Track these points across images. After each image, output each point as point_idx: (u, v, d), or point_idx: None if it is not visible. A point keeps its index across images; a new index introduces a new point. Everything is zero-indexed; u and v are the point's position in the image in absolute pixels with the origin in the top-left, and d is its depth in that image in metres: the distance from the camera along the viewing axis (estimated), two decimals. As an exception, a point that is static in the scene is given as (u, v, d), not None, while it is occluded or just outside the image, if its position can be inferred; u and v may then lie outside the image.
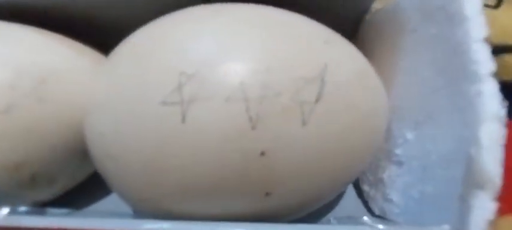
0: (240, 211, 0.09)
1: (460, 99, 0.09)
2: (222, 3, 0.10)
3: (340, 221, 0.09)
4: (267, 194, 0.08)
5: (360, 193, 0.14)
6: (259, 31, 0.09)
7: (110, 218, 0.09)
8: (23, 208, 0.08)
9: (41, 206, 0.12)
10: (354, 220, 0.09)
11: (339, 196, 0.14)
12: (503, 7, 0.19)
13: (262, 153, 0.08)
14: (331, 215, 0.12)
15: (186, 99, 0.07)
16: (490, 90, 0.08)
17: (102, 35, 0.13)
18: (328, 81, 0.08)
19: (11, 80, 0.10)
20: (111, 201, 0.13)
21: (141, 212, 0.09)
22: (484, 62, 0.08)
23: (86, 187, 0.13)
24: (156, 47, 0.08)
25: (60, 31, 0.13)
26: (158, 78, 0.08)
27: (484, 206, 0.08)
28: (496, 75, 0.16)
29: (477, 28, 0.09)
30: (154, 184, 0.08)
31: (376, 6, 0.13)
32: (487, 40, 0.09)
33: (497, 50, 0.16)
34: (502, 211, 0.14)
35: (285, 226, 0.08)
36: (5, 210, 0.08)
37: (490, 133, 0.08)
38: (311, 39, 0.09)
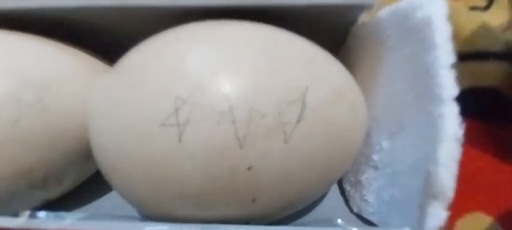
0: (230, 215, 0.10)
1: (425, 117, 0.10)
2: (213, 22, 0.11)
3: (317, 223, 0.11)
4: (254, 200, 0.10)
5: (342, 191, 0.15)
6: (246, 54, 0.09)
7: (115, 221, 0.10)
8: (41, 213, 0.09)
9: (49, 205, 0.13)
10: (330, 222, 0.10)
11: (323, 194, 0.15)
12: (493, 9, 0.20)
13: (249, 168, 0.09)
14: (313, 214, 0.14)
15: (182, 122, 0.08)
16: (451, 113, 0.09)
17: (104, 44, 0.13)
18: (309, 103, 0.09)
19: (17, 92, 0.11)
20: (112, 197, 0.15)
21: (146, 215, 0.11)
22: (448, 87, 0.09)
23: (89, 186, 0.14)
24: (152, 70, 0.09)
25: (64, 40, 0.13)
26: (156, 102, 0.09)
27: (437, 214, 0.09)
28: (466, 81, 0.17)
29: (445, 55, 0.10)
30: (154, 192, 0.09)
31: (363, 18, 0.14)
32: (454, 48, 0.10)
33: (464, 57, 0.17)
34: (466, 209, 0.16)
35: (267, 227, 0.09)
36: (26, 213, 0.09)
37: (448, 152, 0.09)
38: (295, 60, 0.10)
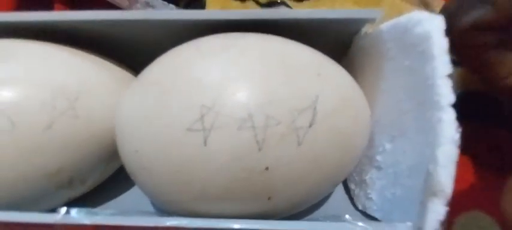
0: (247, 211, 0.11)
1: (424, 123, 0.11)
2: (230, 35, 0.12)
3: (326, 219, 0.12)
4: (269, 198, 0.10)
5: (347, 190, 0.16)
6: (262, 66, 0.10)
7: (138, 216, 0.11)
8: (74, 210, 0.10)
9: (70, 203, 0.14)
10: (338, 218, 0.11)
11: (329, 193, 0.16)
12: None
13: (266, 169, 0.10)
14: (321, 211, 0.14)
15: (207, 127, 0.09)
16: (449, 118, 0.10)
17: (126, 54, 0.14)
18: (319, 110, 0.10)
19: (51, 99, 0.12)
20: (130, 196, 0.16)
21: (167, 210, 0.12)
22: (446, 95, 0.10)
23: (108, 185, 0.15)
24: (179, 81, 0.10)
25: (89, 50, 0.14)
26: (183, 109, 0.10)
27: (437, 209, 0.10)
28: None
29: (442, 66, 0.11)
30: (179, 191, 0.10)
31: (366, 29, 0.15)
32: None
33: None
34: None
35: (281, 222, 0.10)
36: (62, 210, 0.10)
37: (446, 154, 0.10)
38: (306, 70, 0.11)
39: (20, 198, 0.12)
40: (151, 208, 0.15)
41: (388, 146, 0.13)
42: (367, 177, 0.15)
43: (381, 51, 0.13)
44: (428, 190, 0.10)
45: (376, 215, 0.14)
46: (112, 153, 0.14)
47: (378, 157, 0.14)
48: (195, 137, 0.09)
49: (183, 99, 0.10)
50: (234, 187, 0.10)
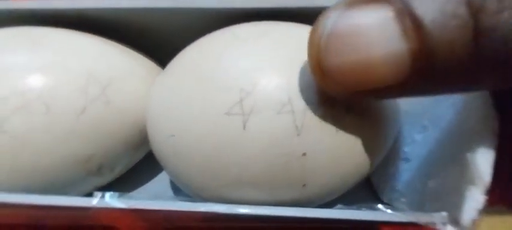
0: (280, 198, 0.11)
1: (461, 111, 0.11)
2: (262, 23, 0.12)
3: (359, 207, 0.12)
4: (304, 185, 0.10)
5: (368, 183, 0.16)
6: (299, 51, 0.10)
7: (172, 201, 0.11)
8: (107, 194, 0.10)
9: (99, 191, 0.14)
10: (370, 207, 0.11)
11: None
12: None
13: (304, 154, 0.10)
14: (343, 202, 0.14)
15: (246, 111, 0.09)
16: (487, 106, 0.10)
17: (150, 45, 0.14)
18: (356, 96, 0.10)
19: (84, 85, 0.12)
20: (152, 185, 0.16)
21: (197, 196, 0.12)
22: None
23: (130, 175, 0.15)
24: (216, 66, 0.10)
25: (115, 39, 0.14)
26: (222, 93, 0.10)
27: (476, 198, 0.10)
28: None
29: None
30: (214, 176, 0.10)
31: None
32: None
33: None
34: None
35: (319, 210, 0.10)
36: (98, 194, 0.10)
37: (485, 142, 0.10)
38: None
39: (50, 184, 0.12)
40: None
41: (417, 137, 0.13)
42: (393, 169, 0.14)
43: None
44: (466, 178, 0.10)
45: (404, 207, 0.14)
46: (139, 142, 0.14)
47: (406, 149, 0.14)
48: (234, 121, 0.09)
49: (222, 83, 0.10)
50: (271, 173, 0.10)
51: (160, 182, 0.16)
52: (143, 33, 0.14)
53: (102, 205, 0.10)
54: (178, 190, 0.15)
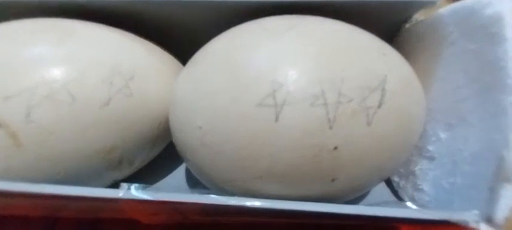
0: (308, 193, 0.10)
1: (492, 107, 0.11)
2: (290, 16, 0.11)
3: (388, 204, 0.11)
4: (333, 180, 0.10)
5: (388, 183, 0.16)
6: (332, 45, 0.10)
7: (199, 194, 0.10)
8: (134, 186, 0.10)
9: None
10: (399, 204, 0.11)
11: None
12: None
13: (335, 148, 0.10)
14: (365, 203, 0.14)
15: (279, 103, 0.09)
16: (521, 102, 0.10)
17: (172, 40, 0.14)
18: (387, 90, 0.10)
19: (109, 77, 0.12)
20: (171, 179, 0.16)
21: (220, 190, 0.11)
22: (518, 78, 0.10)
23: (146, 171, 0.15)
24: (247, 58, 0.10)
25: (138, 34, 0.14)
26: (254, 85, 0.09)
27: (510, 195, 0.10)
28: None
29: (514, 48, 0.10)
30: (243, 168, 0.10)
31: (417, 17, 0.14)
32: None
33: None
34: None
35: (345, 206, 0.10)
36: (125, 186, 0.10)
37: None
38: (371, 52, 0.11)
39: (71, 176, 0.12)
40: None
41: (443, 135, 0.13)
42: (416, 168, 0.14)
43: (439, 36, 0.13)
44: (500, 175, 0.10)
45: (429, 206, 0.13)
46: (158, 136, 0.14)
47: (430, 147, 0.14)
48: (266, 112, 0.09)
49: (253, 74, 0.10)
50: (301, 166, 0.10)
51: (174, 178, 0.16)
52: (170, 27, 0.14)
53: (128, 196, 0.10)
54: (194, 185, 0.15)
